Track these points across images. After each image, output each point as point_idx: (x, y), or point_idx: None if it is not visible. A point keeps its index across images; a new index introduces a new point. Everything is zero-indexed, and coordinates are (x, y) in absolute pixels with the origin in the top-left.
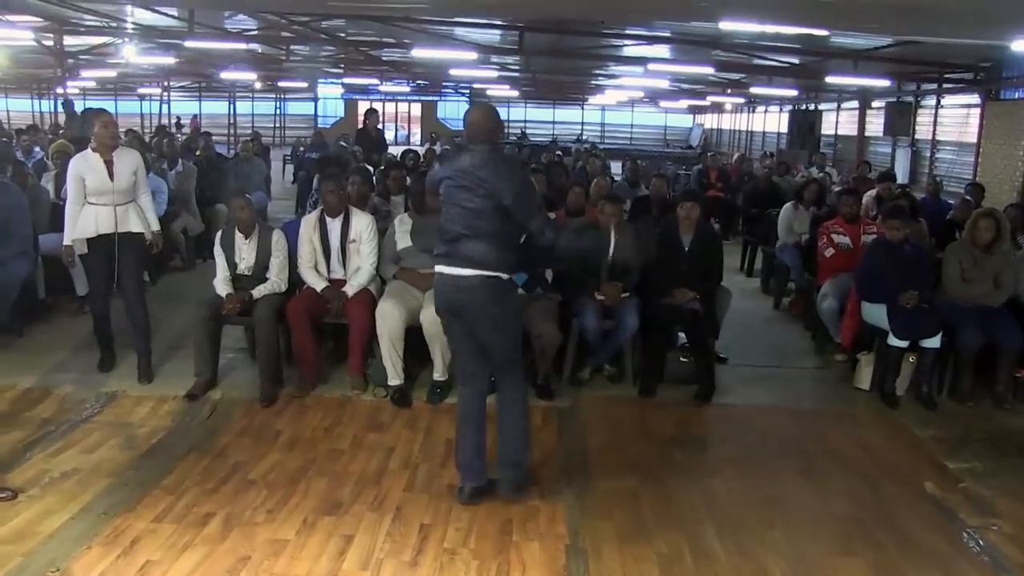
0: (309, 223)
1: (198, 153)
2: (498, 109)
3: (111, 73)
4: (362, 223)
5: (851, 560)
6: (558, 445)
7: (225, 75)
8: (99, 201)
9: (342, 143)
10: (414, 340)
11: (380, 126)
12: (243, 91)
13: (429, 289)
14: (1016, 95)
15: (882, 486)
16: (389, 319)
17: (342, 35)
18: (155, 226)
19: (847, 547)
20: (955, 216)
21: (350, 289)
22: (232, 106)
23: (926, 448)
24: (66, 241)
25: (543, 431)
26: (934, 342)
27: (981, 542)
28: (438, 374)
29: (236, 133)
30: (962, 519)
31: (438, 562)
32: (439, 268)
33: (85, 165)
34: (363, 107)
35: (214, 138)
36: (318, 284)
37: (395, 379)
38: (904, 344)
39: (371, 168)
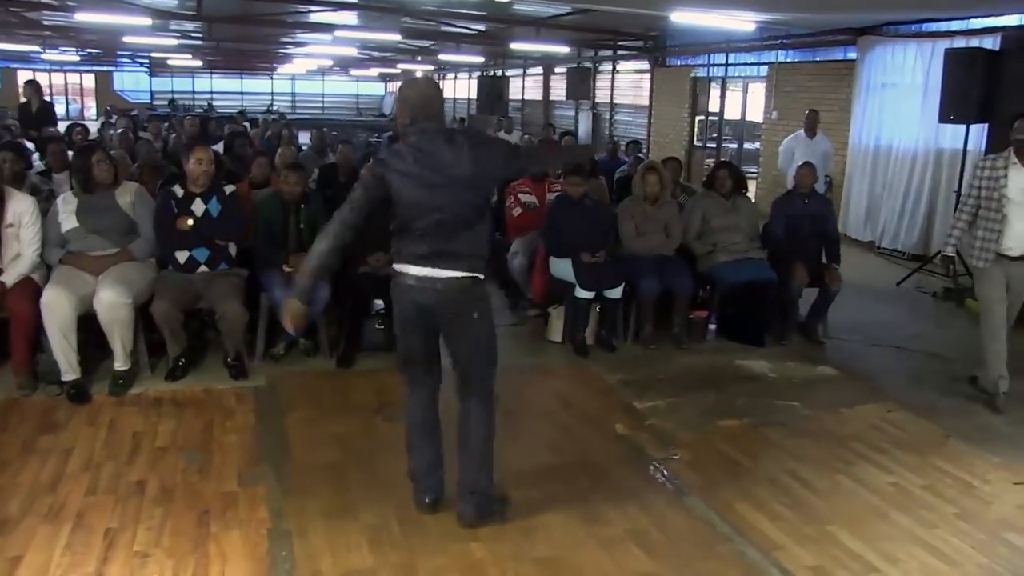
0: None
1: None
2: (180, 80)
3: None
4: (21, 205)
5: (554, 506)
6: (256, 426)
7: None
8: None
9: None
10: (89, 329)
11: (49, 98)
12: None
13: (101, 273)
14: (679, 62)
15: (578, 432)
16: (57, 309)
17: None
18: None
19: (550, 495)
20: (628, 173)
21: (8, 278)
22: None
23: (616, 392)
24: None
25: (238, 412)
26: (616, 293)
27: (665, 472)
28: (119, 363)
29: None
30: (649, 453)
31: (127, 568)
32: (419, 271)
33: None
34: (23, 77)
35: None
36: None
37: (70, 374)
38: (590, 295)
39: (31, 145)
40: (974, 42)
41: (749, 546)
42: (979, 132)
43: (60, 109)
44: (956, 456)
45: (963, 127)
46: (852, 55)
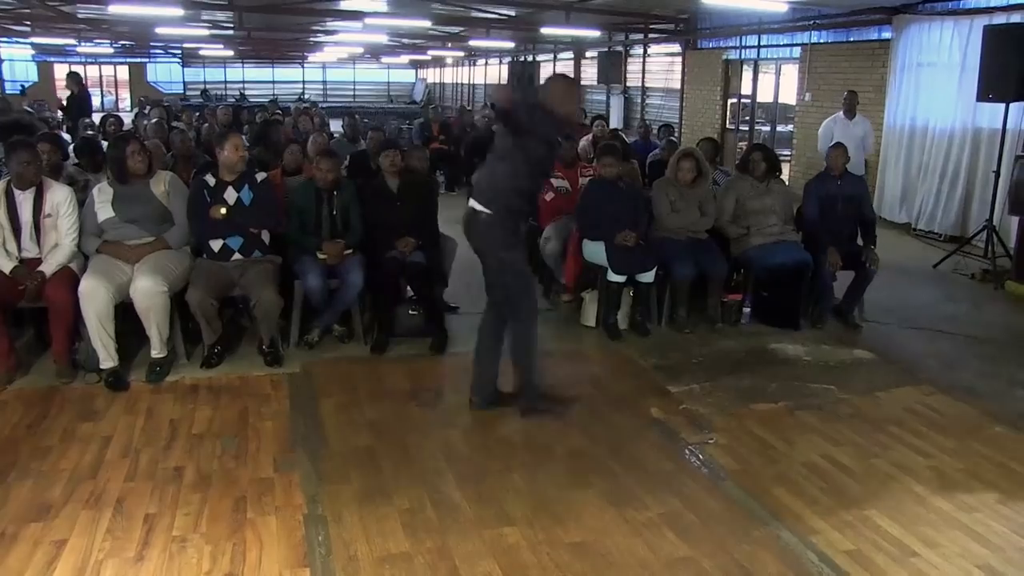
0: None
1: None
2: (212, 70)
3: None
4: (59, 195)
5: (586, 491)
6: (290, 412)
7: None
8: None
9: (27, 108)
10: (126, 317)
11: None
12: None
13: (137, 262)
14: (710, 45)
15: (612, 417)
16: (95, 297)
17: None
18: None
19: (582, 480)
20: (662, 157)
21: (48, 268)
22: None
23: (650, 376)
24: None
25: (273, 399)
26: (648, 277)
27: (700, 456)
28: (156, 351)
29: None
30: (683, 438)
31: (167, 553)
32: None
33: None
34: (60, 71)
35: None
36: (5, 265)
37: (108, 361)
38: (623, 279)
39: (67, 136)
40: (1015, 17)
41: (785, 530)
42: (1019, 110)
43: (96, 101)
44: (996, 440)
45: (1002, 106)
46: (887, 35)
